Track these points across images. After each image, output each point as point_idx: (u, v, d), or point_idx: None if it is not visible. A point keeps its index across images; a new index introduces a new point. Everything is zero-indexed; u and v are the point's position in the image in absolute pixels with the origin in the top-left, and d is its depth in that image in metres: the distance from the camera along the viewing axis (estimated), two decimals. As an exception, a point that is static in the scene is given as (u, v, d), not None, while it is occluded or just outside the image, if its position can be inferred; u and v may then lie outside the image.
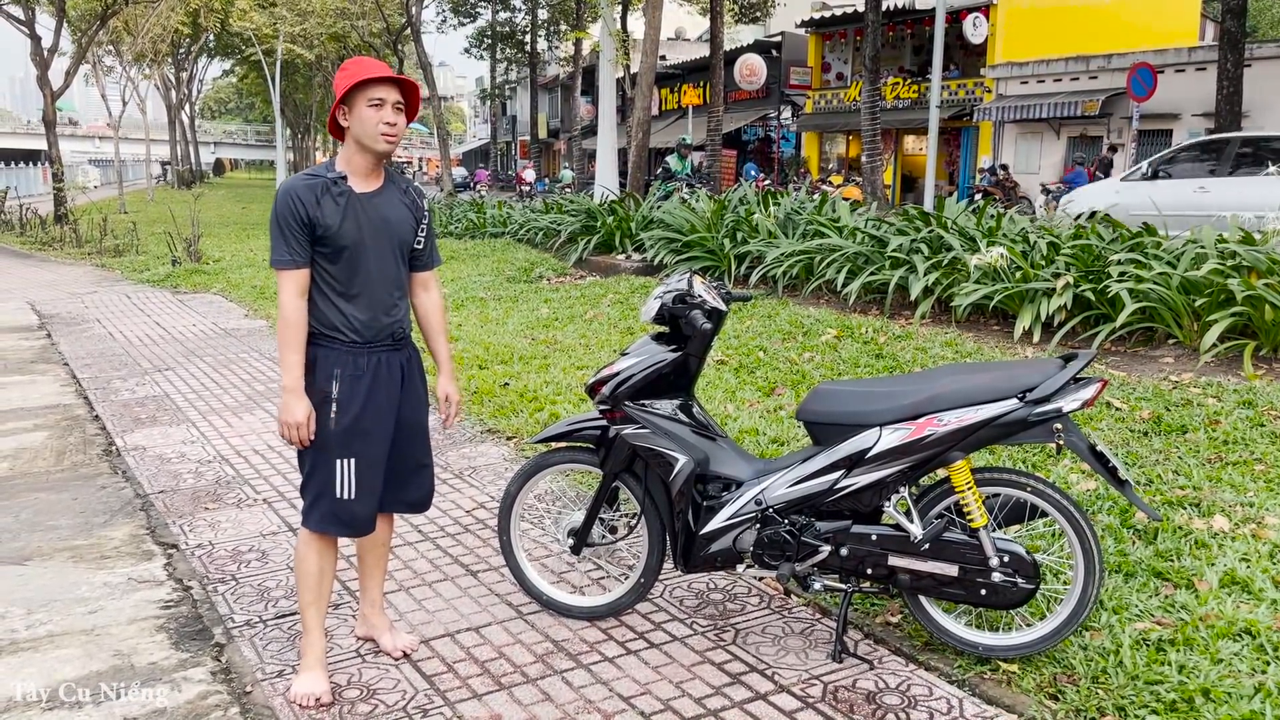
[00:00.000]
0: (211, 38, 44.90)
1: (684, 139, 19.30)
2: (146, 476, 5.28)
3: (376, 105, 2.92)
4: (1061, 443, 2.99)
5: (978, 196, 19.94)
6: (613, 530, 3.60)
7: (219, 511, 4.76)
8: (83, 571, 4.10)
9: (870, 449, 3.10)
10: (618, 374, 3.35)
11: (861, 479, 3.13)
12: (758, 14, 36.48)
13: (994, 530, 3.15)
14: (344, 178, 2.99)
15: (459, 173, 45.30)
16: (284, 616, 3.64)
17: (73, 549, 4.34)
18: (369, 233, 2.99)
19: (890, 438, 3.08)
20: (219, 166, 78.47)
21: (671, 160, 18.09)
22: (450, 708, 3.04)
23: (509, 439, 5.79)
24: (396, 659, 3.33)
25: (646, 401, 3.35)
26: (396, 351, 3.09)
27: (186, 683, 3.22)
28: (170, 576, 4.05)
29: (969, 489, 3.08)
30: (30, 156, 58.54)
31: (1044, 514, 3.14)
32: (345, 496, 3.02)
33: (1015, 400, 2.99)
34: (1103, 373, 6.30)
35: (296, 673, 3.16)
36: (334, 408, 2.98)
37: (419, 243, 3.16)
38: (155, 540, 4.44)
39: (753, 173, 26.69)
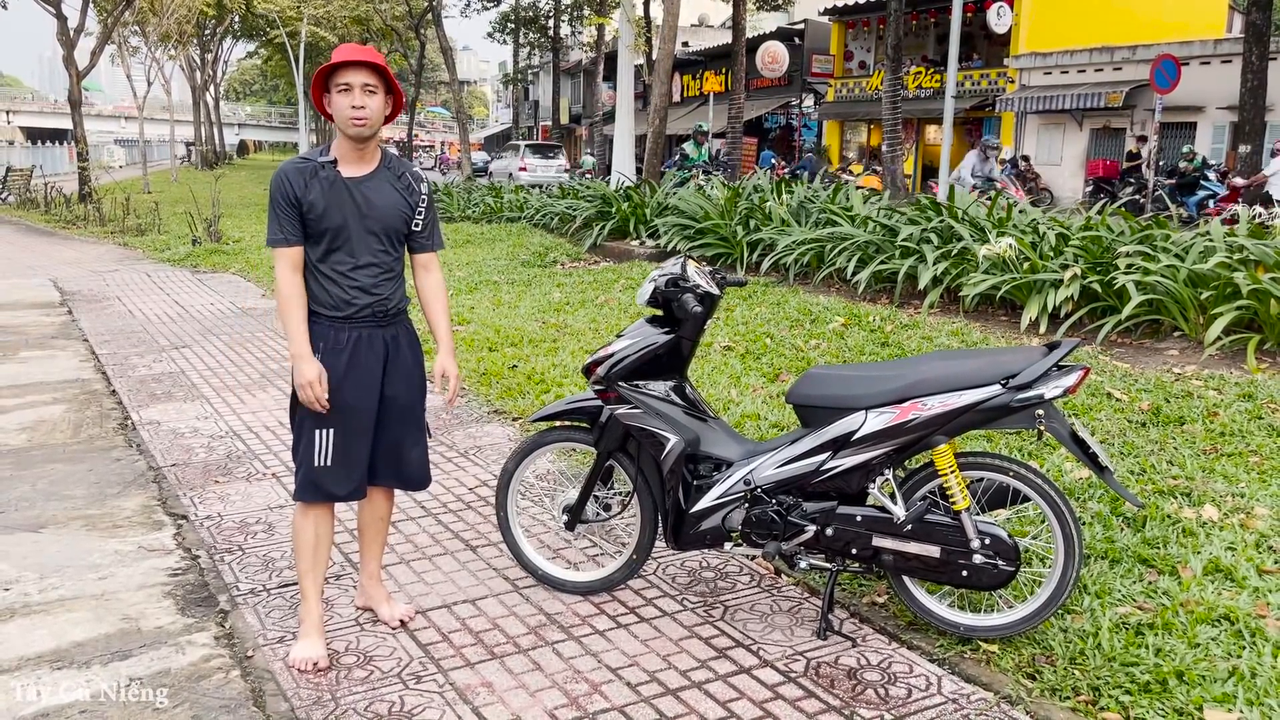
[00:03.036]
0: (236, 19, 45.15)
1: (700, 125, 19.13)
2: (160, 450, 5.41)
3: (344, 90, 3.01)
4: (1043, 428, 3.05)
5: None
6: (607, 508, 3.68)
7: (229, 485, 4.88)
8: (95, 539, 4.23)
9: (856, 431, 3.17)
10: (612, 355, 3.43)
11: (847, 461, 3.20)
12: (780, 1, 36.31)
13: (976, 513, 3.22)
14: (334, 162, 3.10)
15: (480, 157, 45.48)
16: (287, 586, 3.75)
17: (86, 518, 4.47)
18: (353, 216, 3.09)
19: (875, 421, 3.14)
20: (243, 148, 78.91)
21: (688, 146, 17.99)
22: (443, 675, 3.14)
23: (514, 420, 5.89)
24: (394, 628, 3.43)
25: (640, 382, 3.43)
26: (380, 328, 3.17)
27: (191, 646, 3.33)
28: (179, 546, 4.17)
29: (952, 472, 3.14)
30: (57, 135, 59.12)
31: (1027, 498, 3.21)
32: (322, 464, 3.13)
33: (998, 386, 3.05)
34: (1107, 364, 6.33)
35: (296, 639, 3.27)
36: None
37: (417, 225, 3.23)
38: (166, 511, 4.56)
39: (771, 160, 26.61)
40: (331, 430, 3.12)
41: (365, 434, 3.19)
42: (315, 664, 3.15)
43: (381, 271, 3.15)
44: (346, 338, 3.11)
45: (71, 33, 23.96)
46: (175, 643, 3.36)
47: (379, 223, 3.12)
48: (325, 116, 3.14)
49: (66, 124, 42.06)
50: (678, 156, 17.91)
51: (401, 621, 3.45)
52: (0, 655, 3.25)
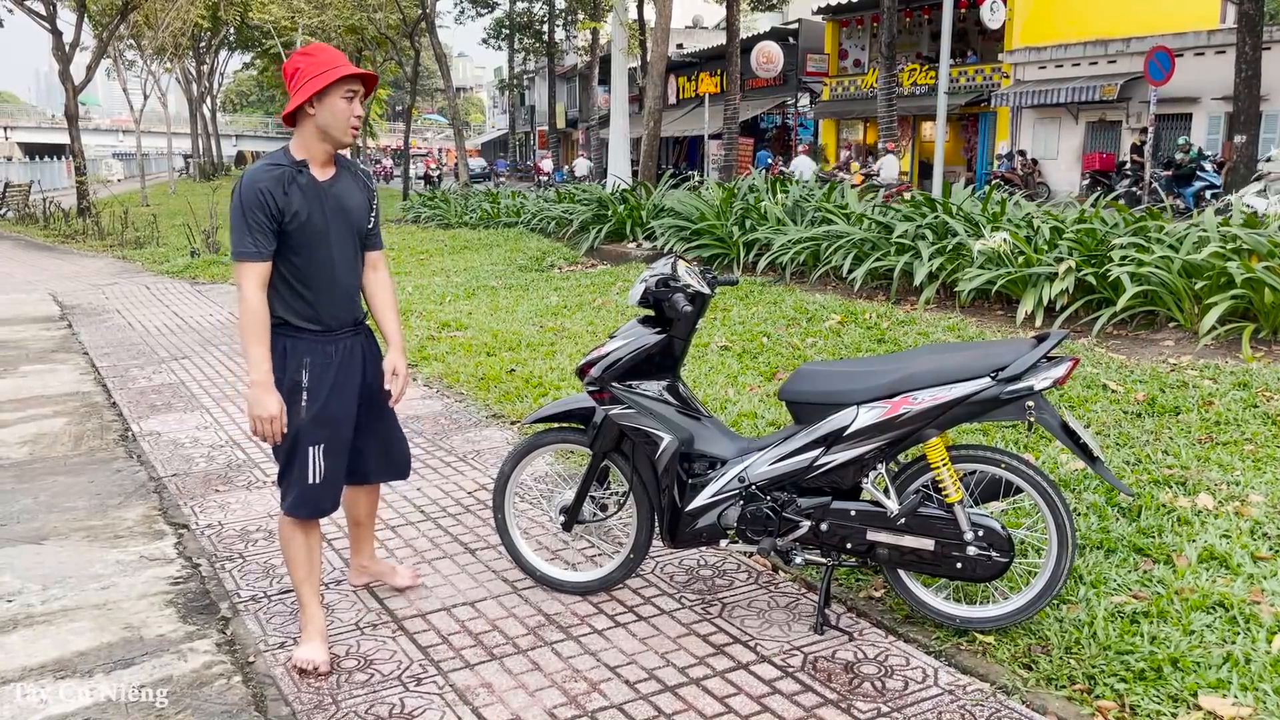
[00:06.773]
0: (231, 31, 45.21)
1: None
2: (160, 460, 5.43)
3: (349, 98, 3.01)
4: (1033, 419, 3.06)
5: (992, 183, 19.85)
6: (603, 508, 3.70)
7: (229, 493, 4.90)
8: (97, 550, 4.25)
9: (848, 427, 3.19)
10: (605, 356, 3.45)
11: (840, 456, 3.22)
12: (774, 1, 36.36)
13: (970, 506, 3.23)
14: (306, 164, 3.05)
15: (477, 164, 45.60)
16: (287, 592, 3.77)
17: (88, 529, 4.50)
18: (333, 221, 3.07)
19: (867, 416, 3.16)
20: (240, 159, 78.79)
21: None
22: (443, 676, 3.16)
23: (513, 423, 5.91)
24: (415, 587, 3.68)
25: (633, 382, 3.45)
26: (357, 336, 3.23)
27: (193, 653, 3.36)
28: (180, 555, 4.20)
29: (944, 465, 3.16)
30: (55, 150, 59.20)
31: (1020, 490, 3.22)
32: (315, 481, 3.14)
33: (987, 379, 3.07)
34: (1103, 356, 6.35)
35: (297, 644, 3.29)
36: (304, 396, 3.08)
37: (370, 223, 3.25)
38: (167, 521, 4.59)
39: (768, 160, 26.65)
40: (322, 445, 3.13)
41: (348, 445, 3.23)
42: (316, 668, 3.17)
43: (356, 276, 3.19)
44: (334, 350, 3.13)
45: (67, 48, 24.01)
46: (177, 650, 3.38)
47: (353, 225, 3.14)
48: (288, 123, 3.06)
49: (64, 139, 42.12)
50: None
51: (416, 579, 3.73)
52: (3, 665, 3.27)
